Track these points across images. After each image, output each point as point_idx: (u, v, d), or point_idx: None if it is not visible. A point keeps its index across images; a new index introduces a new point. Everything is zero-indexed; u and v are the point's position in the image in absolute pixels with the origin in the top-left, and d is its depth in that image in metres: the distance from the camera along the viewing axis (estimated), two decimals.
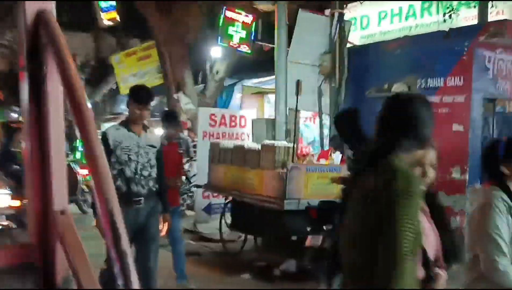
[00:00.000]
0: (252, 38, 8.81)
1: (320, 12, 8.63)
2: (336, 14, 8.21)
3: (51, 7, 1.27)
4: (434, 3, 12.33)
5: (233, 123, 8.73)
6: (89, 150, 1.10)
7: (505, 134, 7.07)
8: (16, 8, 1.28)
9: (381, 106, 2.00)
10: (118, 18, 12.36)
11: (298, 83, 6.57)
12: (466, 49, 6.81)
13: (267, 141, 6.59)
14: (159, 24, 12.72)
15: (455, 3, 11.24)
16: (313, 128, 10.53)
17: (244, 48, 9.01)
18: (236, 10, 8.71)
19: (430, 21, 12.67)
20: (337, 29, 8.21)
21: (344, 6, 11.53)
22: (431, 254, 2.36)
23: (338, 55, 8.20)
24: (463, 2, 11.16)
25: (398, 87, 7.48)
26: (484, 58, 6.84)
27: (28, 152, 1.32)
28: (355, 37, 14.93)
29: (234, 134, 8.60)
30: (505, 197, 2.66)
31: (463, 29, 7.43)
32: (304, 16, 8.27)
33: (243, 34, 8.78)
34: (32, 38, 1.27)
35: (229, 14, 8.78)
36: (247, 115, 9.03)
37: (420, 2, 13.02)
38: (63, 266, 1.34)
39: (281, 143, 6.38)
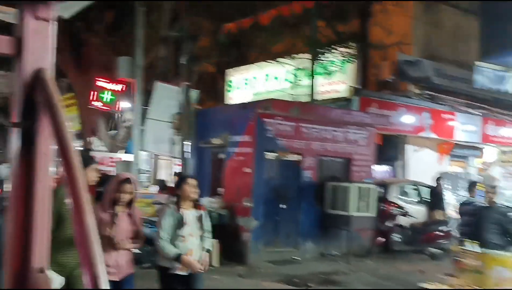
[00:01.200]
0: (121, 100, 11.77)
1: (174, 82, 11.66)
2: (184, 85, 11.27)
3: (49, 65, 1.27)
4: (303, 72, 15.51)
5: (111, 164, 11.57)
6: (79, 212, 1.09)
7: (278, 174, 10.15)
8: (14, 62, 1.29)
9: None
10: None
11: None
12: (252, 117, 9.94)
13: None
14: (77, 80, 15.58)
15: (301, 73, 14.62)
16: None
17: (114, 108, 11.94)
18: (106, 80, 11.72)
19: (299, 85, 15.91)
20: (185, 96, 11.27)
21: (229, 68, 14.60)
22: (122, 236, 5.04)
23: (185, 116, 11.22)
24: (304, 74, 14.48)
25: (216, 141, 10.54)
26: (266, 124, 9.97)
27: (12, 208, 1.29)
28: (249, 95, 18.22)
29: (110, 172, 11.39)
30: (173, 206, 4.81)
31: (252, 103, 10.58)
32: (160, 86, 11.36)
33: (112, 97, 11.71)
34: (27, 95, 1.26)
35: (99, 83, 11.77)
36: (124, 157, 11.88)
37: (292, 69, 16.34)
38: None
39: None
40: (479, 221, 5.87)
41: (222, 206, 10.15)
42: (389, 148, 16.31)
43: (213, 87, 19.57)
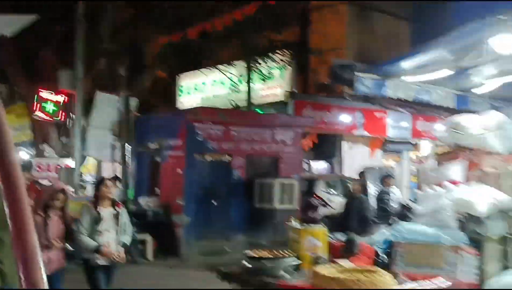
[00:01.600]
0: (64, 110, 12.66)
1: (114, 92, 12.54)
2: (124, 95, 12.18)
3: None
4: (243, 78, 16.53)
5: (57, 170, 12.37)
6: (17, 218, 1.05)
7: (209, 174, 11.17)
8: None
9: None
10: None
11: None
12: (183, 122, 10.96)
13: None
14: (28, 89, 16.19)
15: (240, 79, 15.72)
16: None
17: (57, 118, 12.77)
18: (49, 91, 12.55)
19: (242, 90, 16.97)
20: (125, 104, 12.18)
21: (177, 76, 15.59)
22: (54, 236, 5.84)
23: (125, 123, 12.14)
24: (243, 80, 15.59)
25: (152, 145, 11.51)
26: (196, 128, 11.00)
27: None
28: (197, 99, 19.20)
29: (55, 177, 12.17)
30: (90, 205, 5.57)
31: (183, 110, 11.62)
32: (101, 95, 12.26)
33: (55, 107, 12.55)
34: None
35: (43, 94, 12.62)
36: (70, 163, 12.68)
37: (232, 75, 17.34)
38: None
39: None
40: (345, 210, 7.05)
41: (158, 205, 11.12)
42: (327, 146, 17.61)
43: (167, 92, 20.46)
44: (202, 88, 19.33)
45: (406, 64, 8.66)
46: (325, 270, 3.67)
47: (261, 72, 15.35)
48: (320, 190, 12.86)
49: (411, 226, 6.50)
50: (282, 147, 12.46)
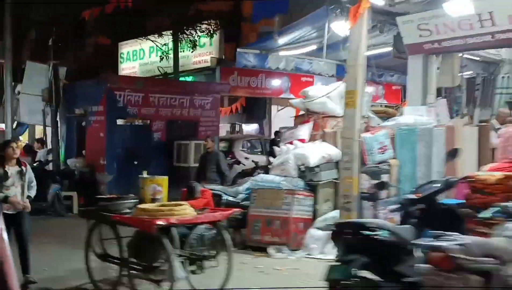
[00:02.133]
0: None
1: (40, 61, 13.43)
2: (51, 64, 13.10)
3: None
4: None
5: None
6: None
7: (130, 137, 12.38)
8: None
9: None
10: None
11: None
12: (104, 90, 12.07)
13: None
14: None
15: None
16: None
17: None
18: None
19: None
20: (53, 72, 13.12)
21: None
22: None
23: (54, 90, 13.11)
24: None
25: (79, 111, 12.60)
26: (116, 95, 12.13)
27: None
28: (136, 65, 20.13)
29: None
30: None
31: (104, 78, 12.75)
32: (31, 65, 13.17)
33: None
34: None
35: None
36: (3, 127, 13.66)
37: (171, 43, 18.30)
38: None
39: None
40: (199, 163, 8.58)
41: (84, 165, 12.32)
42: (257, 109, 19.02)
43: (110, 59, 21.25)
44: (140, 55, 20.24)
45: (281, 40, 10.00)
46: (146, 205, 5.01)
47: (189, 41, 16.36)
48: (239, 149, 14.26)
49: (265, 176, 8.04)
50: (200, 112, 13.73)
